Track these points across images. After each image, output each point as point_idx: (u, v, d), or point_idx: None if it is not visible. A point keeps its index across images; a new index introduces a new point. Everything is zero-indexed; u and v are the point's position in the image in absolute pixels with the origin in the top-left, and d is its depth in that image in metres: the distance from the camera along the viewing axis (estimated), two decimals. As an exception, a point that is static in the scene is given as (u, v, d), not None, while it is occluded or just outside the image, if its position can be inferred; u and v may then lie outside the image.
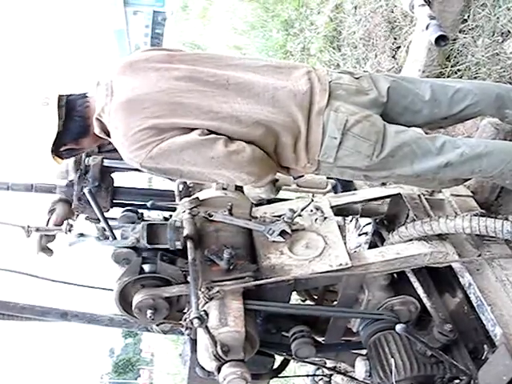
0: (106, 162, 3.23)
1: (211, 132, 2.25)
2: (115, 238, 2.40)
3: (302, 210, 2.65)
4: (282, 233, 2.53)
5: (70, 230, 2.47)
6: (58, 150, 2.41)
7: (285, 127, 2.29)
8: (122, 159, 2.39)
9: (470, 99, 2.55)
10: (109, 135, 2.37)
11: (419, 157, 2.35)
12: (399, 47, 4.42)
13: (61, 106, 2.34)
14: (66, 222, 2.49)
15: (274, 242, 2.54)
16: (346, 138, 2.29)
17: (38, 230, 2.49)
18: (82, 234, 2.41)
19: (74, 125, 2.37)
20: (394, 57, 4.48)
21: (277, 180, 2.62)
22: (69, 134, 2.37)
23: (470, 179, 2.59)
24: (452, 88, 2.56)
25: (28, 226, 2.48)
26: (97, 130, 2.37)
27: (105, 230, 2.37)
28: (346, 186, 3.39)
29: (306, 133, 2.30)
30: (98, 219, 2.41)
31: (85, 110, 2.39)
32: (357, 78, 2.46)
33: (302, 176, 2.91)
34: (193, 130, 2.25)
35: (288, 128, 2.30)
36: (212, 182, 2.63)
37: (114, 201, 3.31)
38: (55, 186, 3.21)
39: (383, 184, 3.12)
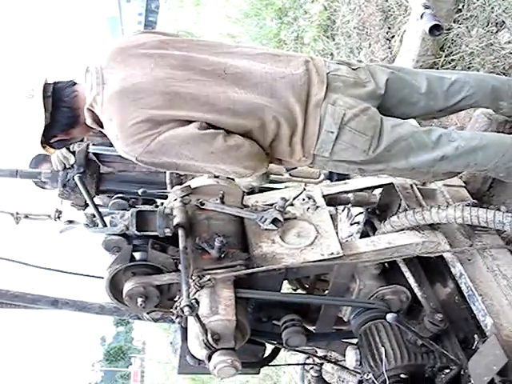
0: (92, 149, 3.21)
1: (209, 125, 2.22)
2: (105, 225, 2.39)
3: (295, 198, 2.65)
4: (275, 221, 2.52)
5: (58, 217, 2.44)
6: (48, 142, 2.35)
7: (283, 118, 2.27)
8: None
9: (466, 91, 2.55)
10: (101, 126, 2.30)
11: (415, 150, 2.34)
12: (393, 36, 4.40)
13: (47, 96, 2.26)
14: (54, 208, 2.46)
15: (266, 230, 2.53)
16: (342, 133, 2.27)
17: (26, 216, 2.46)
18: (71, 221, 2.39)
19: (62, 116, 2.30)
20: (388, 46, 4.47)
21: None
22: (57, 126, 2.31)
23: (463, 172, 2.60)
24: (448, 80, 2.55)
25: (17, 213, 2.46)
26: (88, 121, 2.30)
27: (94, 216, 2.35)
28: (341, 174, 3.39)
29: (303, 126, 2.28)
30: (84, 206, 2.39)
31: (73, 100, 2.32)
32: (354, 69, 2.43)
33: (295, 168, 2.90)
34: (190, 122, 2.21)
35: (285, 119, 2.28)
36: (206, 173, 2.61)
37: (100, 188, 3.29)
38: (40, 173, 3.18)
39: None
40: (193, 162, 2.25)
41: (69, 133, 2.38)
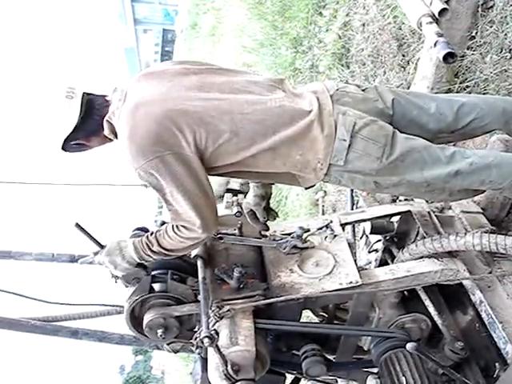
0: None
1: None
2: None
3: (319, 229, 2.67)
4: (294, 248, 2.55)
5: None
6: (68, 143, 2.40)
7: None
8: None
9: (476, 113, 2.56)
10: (117, 137, 2.37)
11: (429, 164, 2.34)
12: (408, 64, 4.43)
13: (83, 102, 2.35)
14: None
15: (285, 257, 2.56)
16: (355, 141, 2.29)
17: None
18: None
19: (91, 122, 2.37)
20: (402, 74, 4.50)
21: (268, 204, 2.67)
22: (84, 131, 2.38)
23: (480, 192, 2.58)
24: (458, 102, 2.57)
25: None
26: (106, 132, 2.37)
27: None
28: None
29: (320, 132, 2.31)
30: None
31: (103, 109, 2.39)
32: (363, 90, 2.50)
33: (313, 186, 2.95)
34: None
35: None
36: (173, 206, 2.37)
37: None
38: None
39: (393, 201, 3.12)
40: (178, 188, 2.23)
41: (90, 140, 2.44)
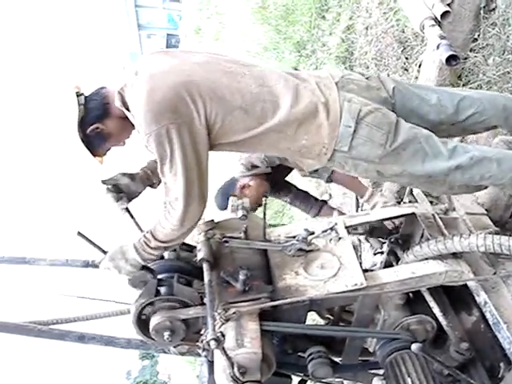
0: None
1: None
2: None
3: (324, 232, 2.68)
4: (299, 250, 2.56)
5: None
6: (85, 135, 2.40)
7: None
8: None
9: (476, 107, 2.59)
10: (128, 109, 2.36)
11: (430, 157, 2.37)
12: (411, 67, 4.45)
13: (78, 94, 2.39)
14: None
15: (291, 259, 2.57)
16: (360, 127, 2.33)
17: None
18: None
19: (95, 105, 2.40)
20: (406, 76, 4.51)
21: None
22: (92, 114, 2.39)
23: (481, 188, 2.59)
24: (459, 95, 2.61)
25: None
26: (117, 103, 2.36)
27: None
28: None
29: (326, 117, 2.34)
30: None
31: (104, 95, 2.43)
32: (366, 78, 2.55)
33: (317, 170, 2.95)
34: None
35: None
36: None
37: None
38: None
39: (398, 203, 3.12)
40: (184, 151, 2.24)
41: (104, 123, 2.43)
